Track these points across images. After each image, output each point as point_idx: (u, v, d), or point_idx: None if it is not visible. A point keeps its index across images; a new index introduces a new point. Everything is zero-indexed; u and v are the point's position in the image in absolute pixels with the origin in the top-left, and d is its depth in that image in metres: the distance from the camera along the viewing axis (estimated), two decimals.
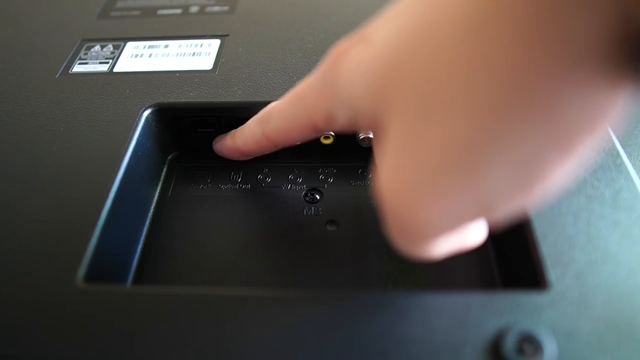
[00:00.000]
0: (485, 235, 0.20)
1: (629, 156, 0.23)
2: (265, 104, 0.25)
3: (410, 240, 0.16)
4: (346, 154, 0.27)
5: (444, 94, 0.13)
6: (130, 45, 0.31)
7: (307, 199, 0.25)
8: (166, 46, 0.30)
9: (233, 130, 0.25)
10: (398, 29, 0.15)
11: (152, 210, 0.25)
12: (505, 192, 0.14)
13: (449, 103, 0.13)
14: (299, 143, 0.22)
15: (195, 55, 0.29)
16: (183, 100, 0.26)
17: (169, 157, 0.28)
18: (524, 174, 0.13)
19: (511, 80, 0.12)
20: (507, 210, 0.14)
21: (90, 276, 0.19)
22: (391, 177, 0.15)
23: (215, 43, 0.30)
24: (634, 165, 0.22)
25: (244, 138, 0.24)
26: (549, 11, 0.11)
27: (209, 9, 0.34)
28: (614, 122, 0.12)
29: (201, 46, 0.30)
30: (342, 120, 0.18)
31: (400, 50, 0.14)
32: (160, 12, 0.34)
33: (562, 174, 0.13)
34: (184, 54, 0.30)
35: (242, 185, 0.26)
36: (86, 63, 0.29)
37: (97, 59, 0.30)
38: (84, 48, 0.31)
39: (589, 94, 0.12)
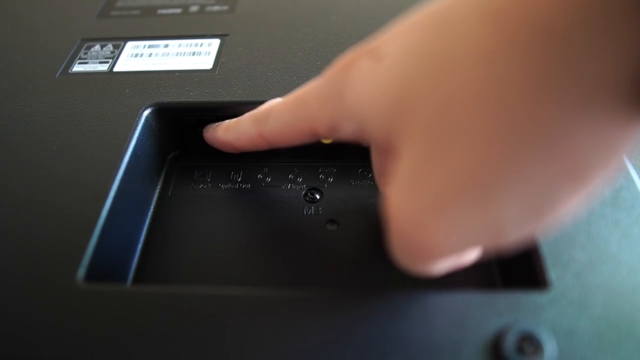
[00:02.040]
0: (479, 252, 0.20)
1: (629, 156, 0.23)
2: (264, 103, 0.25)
3: (416, 260, 0.17)
4: (346, 153, 0.27)
5: (457, 123, 0.13)
6: (130, 45, 0.31)
7: (307, 199, 0.25)
8: (166, 46, 0.30)
9: (226, 122, 0.25)
10: (409, 46, 0.15)
11: (152, 210, 0.25)
12: (516, 220, 0.14)
13: (461, 132, 0.13)
14: (295, 145, 0.22)
15: (195, 54, 0.29)
16: (183, 99, 0.26)
17: (169, 157, 0.28)
18: (535, 204, 0.13)
19: (524, 114, 0.12)
20: (516, 236, 0.14)
21: (90, 276, 0.19)
22: (403, 199, 0.15)
23: (215, 42, 0.30)
24: (634, 165, 0.22)
25: (238, 134, 0.23)
26: (565, 48, 0.11)
27: (208, 8, 0.34)
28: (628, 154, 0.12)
29: (201, 46, 0.30)
30: (346, 132, 0.18)
31: (411, 71, 0.14)
32: (160, 11, 0.34)
33: (574, 204, 0.13)
34: (184, 53, 0.29)
35: (242, 185, 0.26)
36: (86, 63, 0.29)
37: (97, 59, 0.30)
38: (83, 47, 0.31)
39: (604, 130, 0.12)
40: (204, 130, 0.26)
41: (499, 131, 0.12)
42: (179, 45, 0.30)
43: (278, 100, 0.22)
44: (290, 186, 0.26)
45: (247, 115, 0.23)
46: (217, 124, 0.26)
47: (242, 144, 0.23)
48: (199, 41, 0.30)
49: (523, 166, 0.13)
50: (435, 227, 0.15)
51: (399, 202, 0.15)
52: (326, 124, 0.18)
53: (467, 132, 0.13)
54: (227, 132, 0.24)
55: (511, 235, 0.14)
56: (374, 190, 0.25)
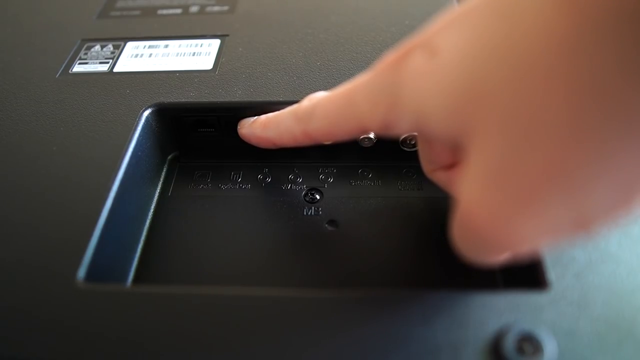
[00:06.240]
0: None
1: None
2: (265, 104, 0.25)
3: (489, 254, 0.16)
4: (346, 154, 0.27)
5: (543, 117, 0.13)
6: (130, 45, 0.31)
7: (307, 199, 0.25)
8: (166, 46, 0.30)
9: (263, 118, 0.24)
10: (470, 40, 0.14)
11: (152, 210, 0.25)
12: (604, 208, 0.13)
13: (549, 126, 0.13)
14: (342, 141, 0.21)
15: (195, 55, 0.29)
16: (183, 100, 0.26)
17: (169, 157, 0.28)
18: (625, 188, 0.13)
19: (619, 102, 0.12)
20: (603, 224, 0.14)
21: (90, 276, 0.19)
22: (482, 197, 0.15)
23: (215, 43, 0.30)
24: None
25: (279, 132, 0.23)
26: None
27: (209, 8, 0.34)
28: None
29: (201, 46, 0.30)
30: (401, 130, 0.17)
31: (479, 66, 0.14)
32: (160, 12, 0.34)
33: None
34: (184, 53, 0.30)
35: (242, 185, 0.26)
36: (86, 63, 0.29)
37: (97, 59, 0.30)
38: (84, 48, 0.31)
39: None
40: (238, 126, 0.26)
41: (591, 122, 0.12)
42: (179, 46, 0.30)
43: (320, 95, 0.21)
44: (290, 186, 0.26)
45: (287, 112, 0.22)
46: (252, 119, 0.25)
47: (285, 141, 0.23)
48: (199, 41, 0.30)
49: (615, 153, 0.12)
50: (521, 225, 0.14)
51: (477, 200, 0.15)
52: (379, 123, 0.17)
53: (554, 126, 0.13)
54: (266, 130, 0.24)
55: (597, 223, 0.14)
56: (374, 191, 0.25)
